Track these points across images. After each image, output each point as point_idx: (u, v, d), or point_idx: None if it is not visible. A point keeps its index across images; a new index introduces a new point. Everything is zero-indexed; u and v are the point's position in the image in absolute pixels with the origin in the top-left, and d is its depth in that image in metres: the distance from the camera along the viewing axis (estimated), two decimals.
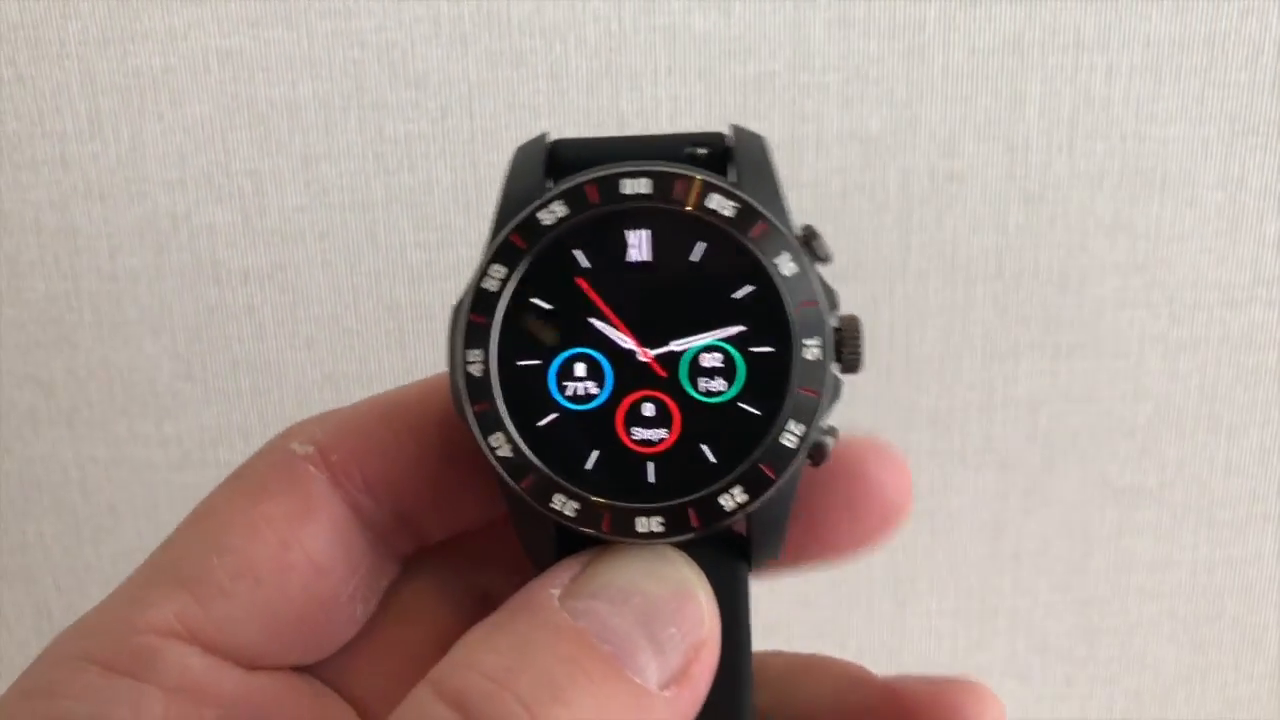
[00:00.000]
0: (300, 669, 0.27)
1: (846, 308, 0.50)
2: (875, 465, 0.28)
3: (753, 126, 0.48)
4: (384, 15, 0.48)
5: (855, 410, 0.51)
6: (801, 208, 0.49)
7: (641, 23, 0.48)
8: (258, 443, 0.52)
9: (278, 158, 0.50)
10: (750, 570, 0.27)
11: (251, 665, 0.26)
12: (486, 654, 0.23)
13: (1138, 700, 0.58)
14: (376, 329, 0.52)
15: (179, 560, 0.26)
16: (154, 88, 0.49)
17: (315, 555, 0.27)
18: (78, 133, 0.50)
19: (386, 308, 0.52)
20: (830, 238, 0.50)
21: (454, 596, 0.29)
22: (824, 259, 0.26)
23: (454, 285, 0.50)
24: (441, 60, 0.49)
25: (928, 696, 0.29)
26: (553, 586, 0.25)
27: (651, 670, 0.24)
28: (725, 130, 0.27)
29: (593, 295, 0.26)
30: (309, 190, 0.50)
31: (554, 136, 0.27)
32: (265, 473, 0.27)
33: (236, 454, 0.53)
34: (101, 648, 0.25)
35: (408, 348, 0.52)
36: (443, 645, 0.25)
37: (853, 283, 0.51)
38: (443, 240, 0.51)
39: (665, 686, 0.24)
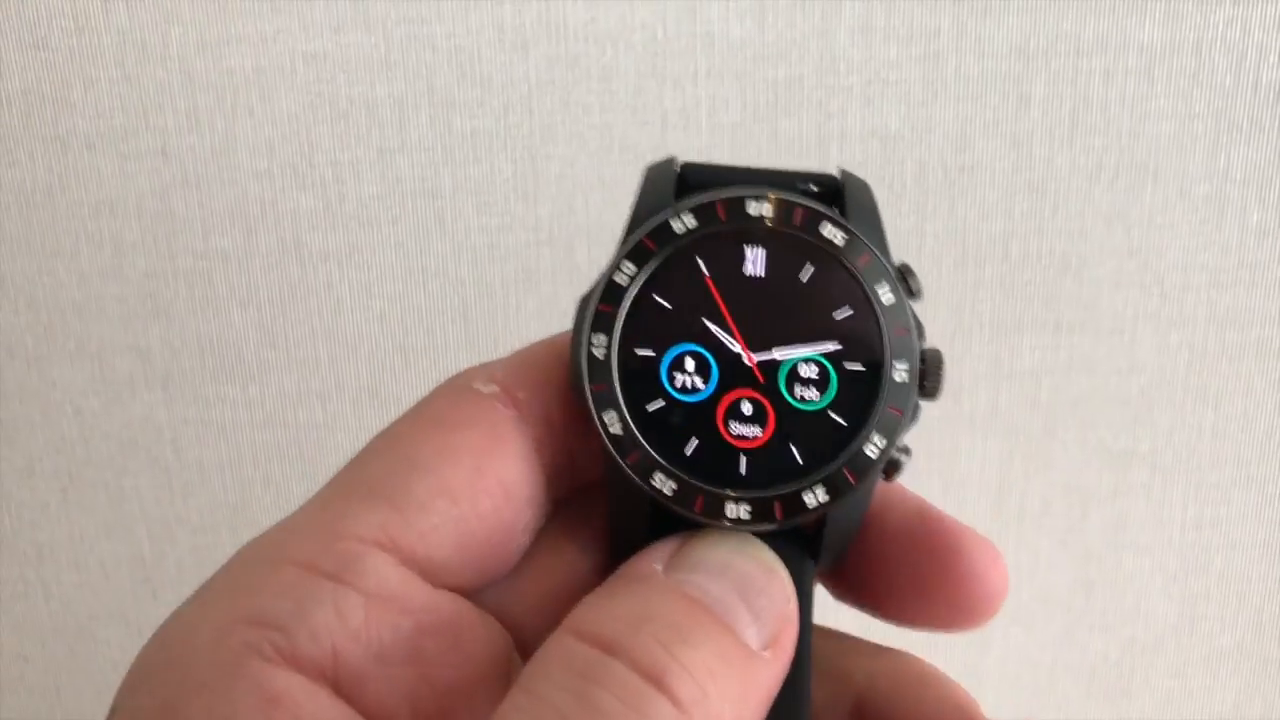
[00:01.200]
0: (467, 594, 0.28)
1: None
2: (980, 557, 0.29)
3: (783, 124, 0.53)
4: (454, 22, 0.52)
5: None
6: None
7: (683, 30, 0.52)
8: (335, 407, 0.57)
9: (356, 150, 0.53)
10: (816, 569, 0.28)
11: (438, 582, 0.26)
12: (616, 606, 0.25)
13: (1131, 647, 0.61)
14: (443, 304, 0.56)
15: (378, 476, 0.26)
16: (246, 86, 0.52)
17: (505, 482, 0.27)
18: (177, 127, 0.53)
19: (452, 286, 0.55)
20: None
21: (583, 543, 0.30)
22: (916, 294, 0.28)
23: (514, 267, 0.55)
24: (504, 63, 0.52)
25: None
26: (655, 562, 0.26)
27: (752, 633, 0.25)
28: (835, 173, 0.29)
29: (714, 297, 0.27)
30: (384, 180, 0.54)
31: (682, 160, 0.30)
32: (453, 407, 0.28)
33: (315, 415, 0.58)
34: (303, 550, 0.25)
35: (471, 322, 0.56)
36: (579, 584, 0.28)
37: None
38: (503, 225, 0.54)
39: (764, 649, 0.25)
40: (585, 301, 0.28)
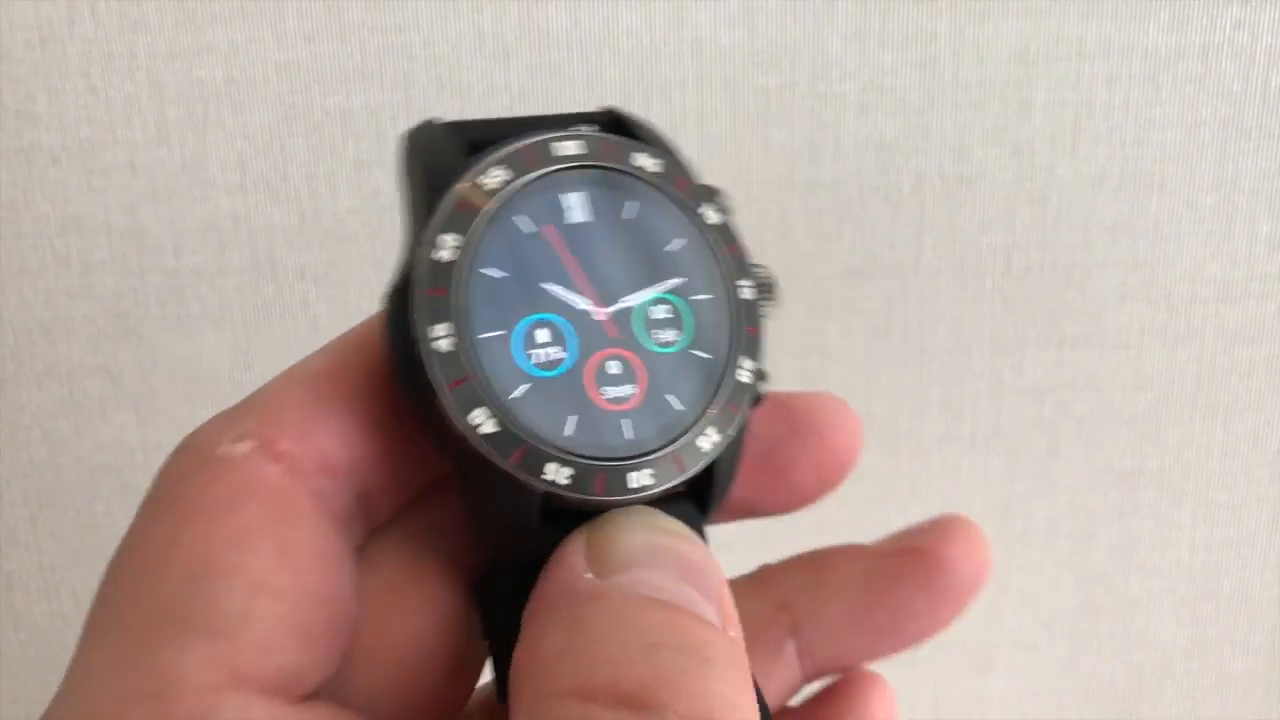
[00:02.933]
0: (326, 698, 0.24)
1: (865, 303, 0.53)
2: (830, 418, 0.28)
3: (775, 134, 0.51)
4: (431, 30, 0.50)
5: (872, 400, 0.54)
6: (821, 209, 0.53)
7: (671, 36, 0.50)
8: None
9: (332, 163, 0.52)
10: (705, 517, 0.26)
11: (297, 696, 0.22)
12: (594, 647, 0.21)
13: (1139, 673, 0.60)
14: None
15: (173, 600, 0.22)
16: (217, 98, 0.51)
17: (316, 549, 0.23)
18: (146, 140, 0.52)
19: None
20: (849, 237, 0.53)
21: (419, 580, 0.25)
22: (729, 212, 0.26)
23: None
24: (484, 71, 0.51)
25: (928, 546, 0.30)
26: (579, 570, 0.23)
27: (712, 614, 0.22)
28: (603, 109, 0.28)
29: (546, 255, 0.25)
30: (361, 193, 0.52)
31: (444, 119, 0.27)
32: (209, 486, 0.23)
33: None
34: None
35: None
36: (434, 632, 0.24)
37: (869, 279, 0.53)
38: None
39: (728, 628, 0.23)
40: (401, 294, 0.24)
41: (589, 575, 0.23)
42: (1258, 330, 0.55)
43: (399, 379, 0.24)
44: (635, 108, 0.51)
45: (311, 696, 0.23)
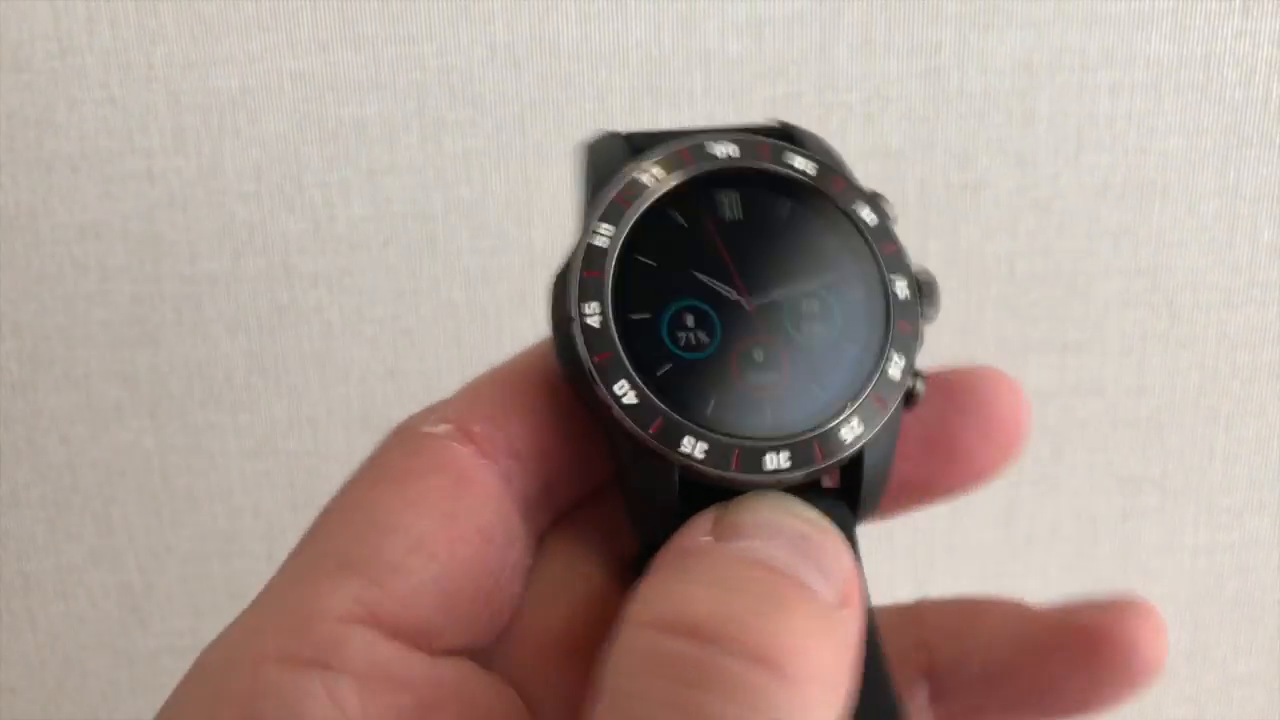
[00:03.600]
0: (469, 656, 0.25)
1: None
2: (993, 389, 0.28)
3: None
4: (444, 40, 0.51)
5: None
6: None
7: (679, 47, 0.51)
8: (325, 434, 0.56)
9: (345, 171, 0.53)
10: (857, 516, 0.26)
11: (432, 649, 0.24)
12: (689, 587, 0.22)
13: None
14: (435, 329, 0.55)
15: (341, 545, 0.24)
16: (232, 107, 0.52)
17: (480, 525, 0.25)
18: (163, 148, 0.52)
19: (444, 309, 0.54)
20: None
21: (585, 571, 0.27)
22: (892, 218, 0.27)
23: (507, 289, 0.54)
24: (497, 82, 0.51)
25: (1100, 624, 0.28)
26: (700, 535, 0.24)
27: (827, 591, 0.23)
28: (774, 122, 0.29)
29: (700, 246, 0.26)
30: (374, 201, 0.53)
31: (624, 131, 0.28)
32: (406, 456, 0.26)
33: (306, 443, 0.57)
34: (278, 643, 0.23)
35: (464, 346, 0.55)
36: (590, 620, 0.25)
37: None
38: (496, 247, 0.54)
39: (841, 607, 0.23)
40: (563, 276, 0.26)
41: (707, 538, 0.24)
42: (1259, 336, 0.55)
43: (557, 354, 0.26)
44: (644, 118, 0.52)
45: (451, 654, 0.25)
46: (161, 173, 0.53)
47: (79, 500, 0.58)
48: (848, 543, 0.24)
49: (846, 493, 0.26)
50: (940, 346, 0.54)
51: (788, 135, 0.28)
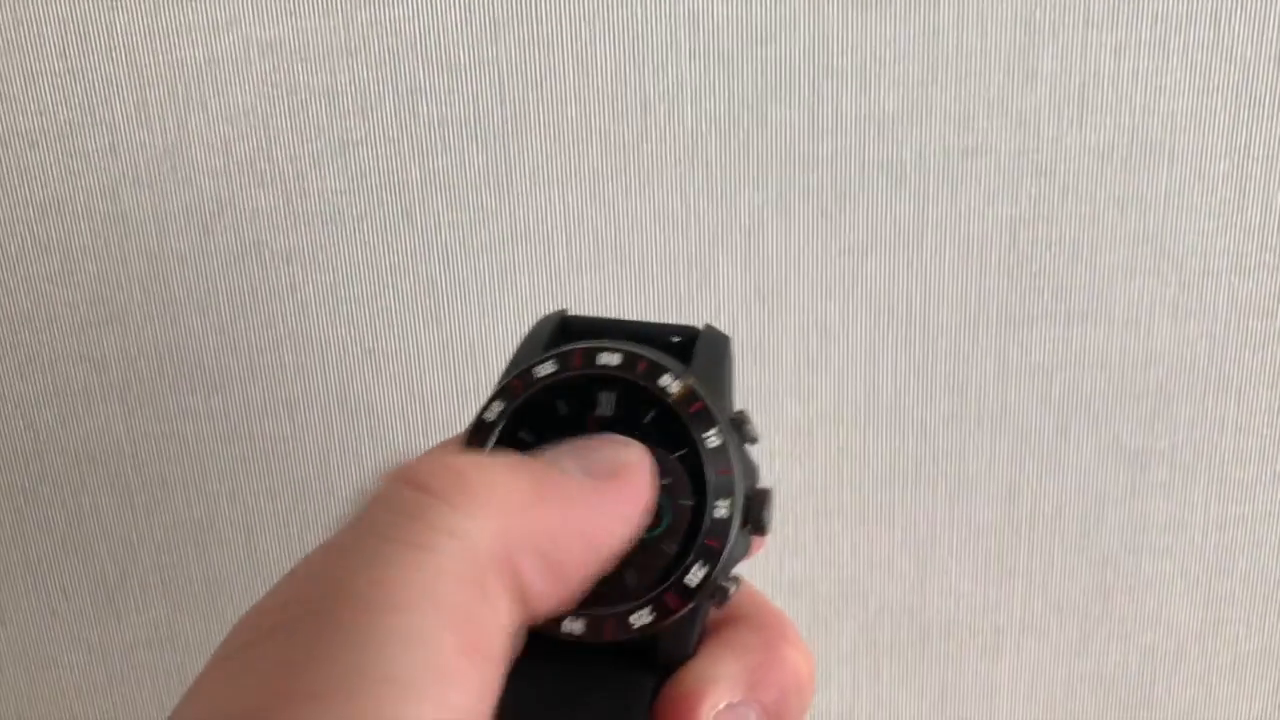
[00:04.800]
0: None
1: (867, 280, 0.52)
2: None
3: (773, 109, 0.50)
4: (418, 4, 0.49)
5: (876, 380, 0.53)
6: (822, 185, 0.51)
7: (664, 9, 0.49)
8: (302, 416, 0.55)
9: (317, 143, 0.51)
10: (655, 680, 0.29)
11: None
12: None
13: (1151, 655, 0.59)
14: (414, 305, 0.53)
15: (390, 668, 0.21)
16: (198, 78, 0.50)
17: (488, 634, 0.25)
18: (126, 122, 0.51)
19: (423, 285, 0.53)
20: (849, 213, 0.51)
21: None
22: (752, 440, 0.31)
23: (487, 263, 0.52)
24: (473, 47, 0.50)
25: None
26: None
27: (568, 464, 0.27)
28: (700, 327, 0.32)
29: (568, 434, 0.30)
30: (347, 173, 0.51)
31: (571, 312, 0.33)
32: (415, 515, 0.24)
33: (282, 426, 0.55)
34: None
35: (443, 324, 0.53)
36: None
37: (872, 256, 0.52)
38: (474, 220, 0.52)
39: (588, 478, 0.27)
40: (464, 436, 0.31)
41: None
42: (1271, 302, 0.54)
43: None
44: (628, 84, 0.50)
45: None
46: (125, 147, 0.51)
47: (47, 489, 0.56)
48: (636, 447, 0.29)
49: (648, 659, 0.30)
50: (942, 317, 0.53)
51: (691, 342, 0.32)
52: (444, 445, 0.31)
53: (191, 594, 0.57)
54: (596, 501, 0.27)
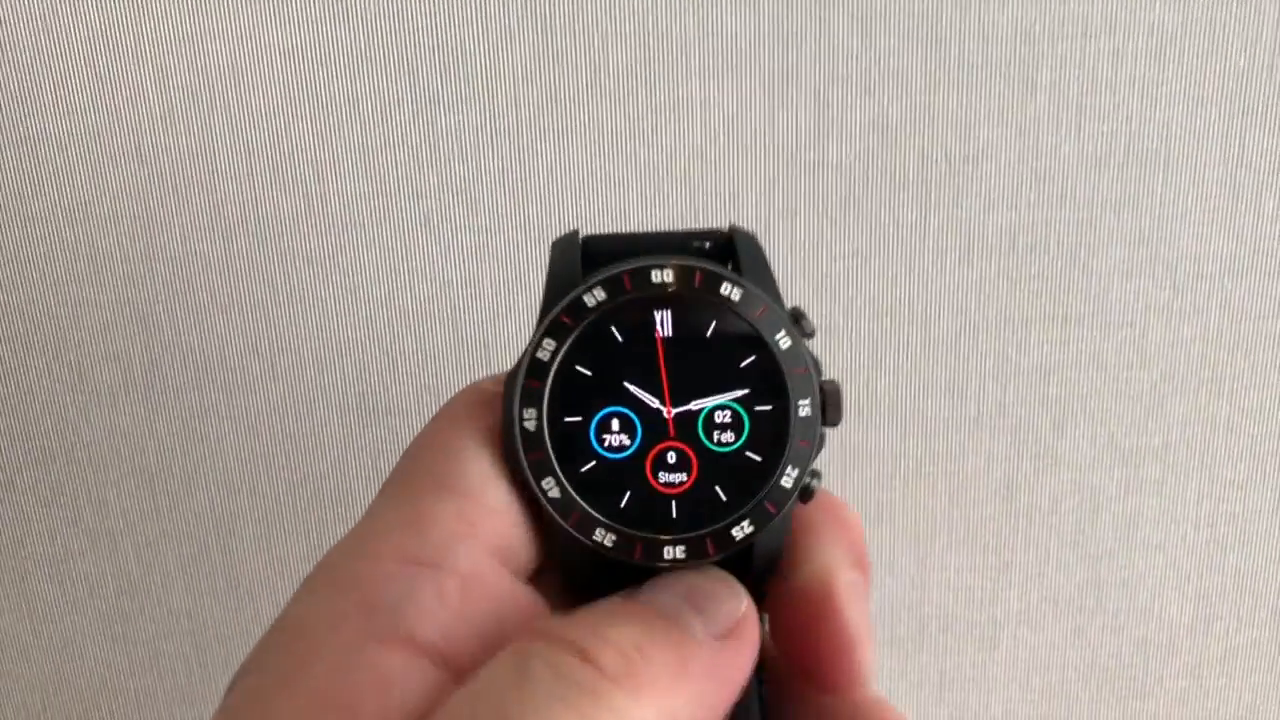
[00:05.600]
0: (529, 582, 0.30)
1: (870, 283, 0.53)
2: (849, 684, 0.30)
3: (780, 115, 0.51)
4: (436, 15, 0.50)
5: (878, 380, 0.55)
6: (827, 190, 0.53)
7: (675, 20, 0.50)
8: (321, 414, 0.56)
9: (337, 149, 0.52)
10: (754, 588, 0.30)
11: (511, 566, 0.29)
12: (549, 621, 0.27)
13: (1143, 648, 0.60)
14: (430, 307, 0.54)
15: (438, 471, 0.29)
16: (223, 84, 0.51)
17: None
18: (152, 126, 0.52)
19: (440, 288, 0.54)
20: (853, 217, 0.53)
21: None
22: (809, 334, 0.30)
23: (503, 267, 0.54)
24: (489, 55, 0.51)
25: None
26: (616, 596, 0.29)
27: (697, 626, 0.27)
28: (725, 228, 0.32)
29: (631, 359, 0.30)
30: (368, 178, 0.52)
31: (585, 232, 0.32)
32: (473, 405, 0.30)
33: (302, 424, 0.56)
34: (398, 544, 0.27)
35: (460, 325, 0.55)
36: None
37: (875, 260, 0.54)
38: (491, 224, 0.53)
39: (712, 638, 0.27)
40: (512, 378, 0.30)
41: (619, 596, 0.29)
42: (1262, 306, 0.55)
43: (502, 449, 0.30)
44: (639, 92, 0.51)
45: (524, 578, 0.30)
46: (151, 151, 0.52)
47: (74, 485, 0.58)
48: (747, 594, 0.29)
49: (737, 568, 0.30)
50: (943, 319, 0.54)
51: (729, 242, 0.32)
52: (478, 389, 0.31)
53: (213, 587, 0.58)
54: (725, 664, 0.27)
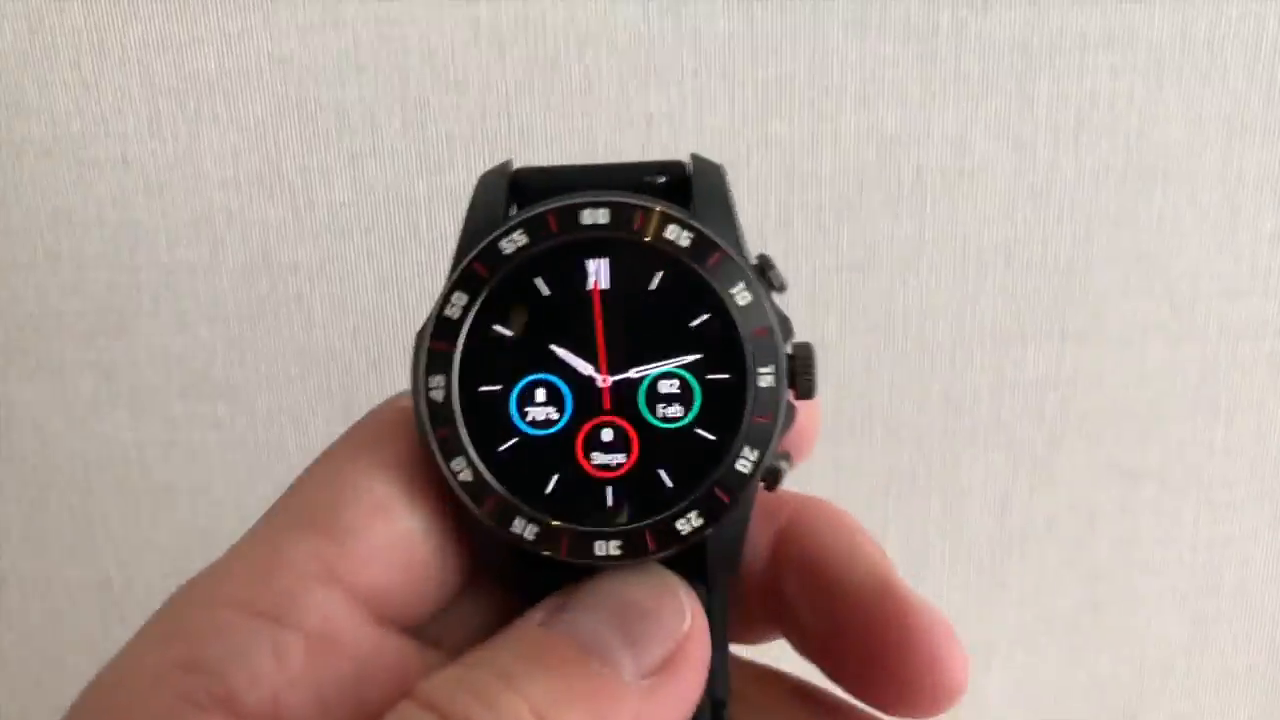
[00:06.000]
0: (412, 629, 0.26)
1: (865, 297, 0.52)
2: (942, 645, 0.27)
3: (774, 126, 0.51)
4: (427, 22, 0.50)
5: (872, 395, 0.54)
6: (820, 203, 0.52)
7: (668, 27, 0.50)
8: (307, 426, 0.55)
9: (326, 156, 0.51)
10: (709, 590, 0.26)
11: (383, 616, 0.25)
12: (456, 666, 0.24)
13: (1140, 670, 0.59)
14: (419, 317, 0.53)
15: (310, 504, 0.25)
16: (210, 90, 0.51)
17: (441, 496, 0.25)
18: (138, 133, 0.51)
19: (429, 298, 0.53)
20: (848, 230, 0.52)
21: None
22: (779, 288, 0.26)
23: None
24: (480, 64, 0.50)
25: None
26: (538, 611, 0.25)
27: (626, 662, 0.23)
28: (685, 159, 0.27)
29: (557, 319, 0.26)
30: (355, 187, 0.52)
31: (518, 164, 0.27)
32: (381, 425, 0.26)
33: (287, 436, 0.56)
34: (238, 589, 0.24)
35: None
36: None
37: (870, 273, 0.53)
38: None
39: (643, 675, 0.24)
40: (419, 339, 0.26)
41: (539, 615, 0.25)
42: (1260, 326, 0.54)
43: (415, 421, 0.26)
44: (632, 101, 0.51)
45: (401, 622, 0.25)
46: (136, 157, 0.52)
47: (55, 495, 0.57)
48: (694, 605, 0.25)
49: (693, 566, 0.26)
50: (939, 335, 0.54)
51: (685, 177, 0.27)
52: (394, 406, 0.27)
53: None
54: (660, 708, 0.24)
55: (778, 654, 0.30)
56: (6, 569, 0.58)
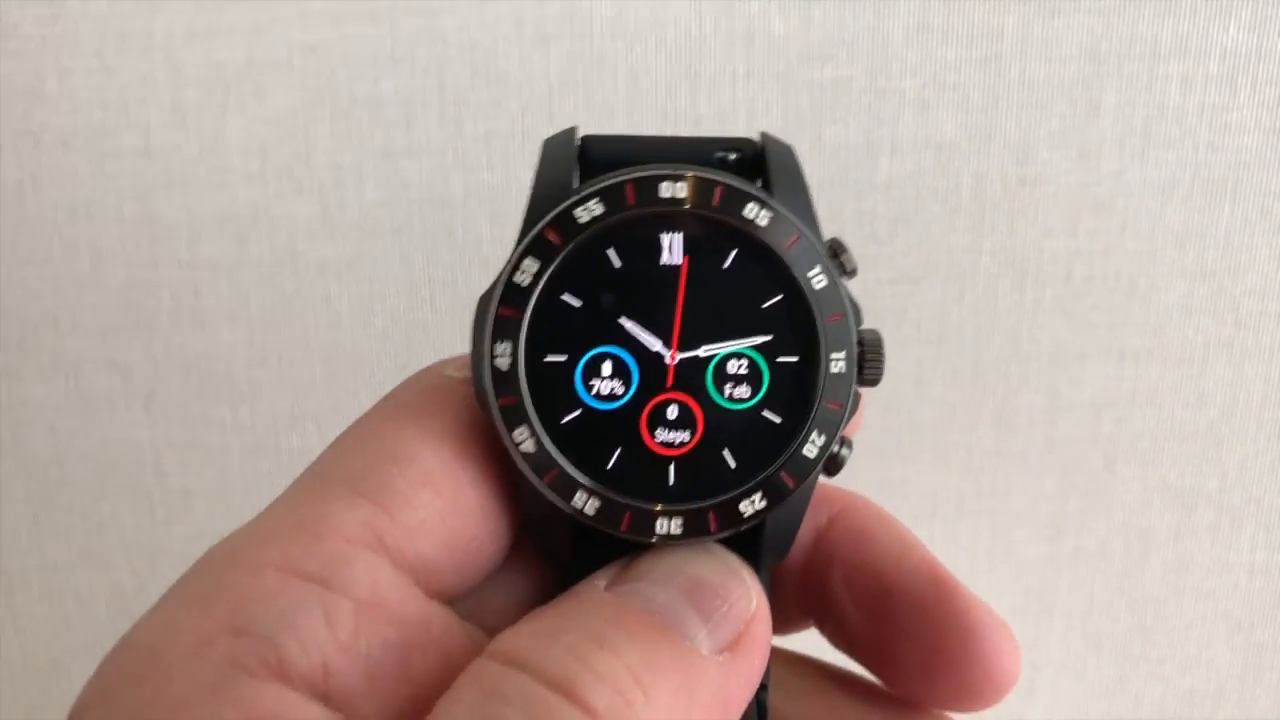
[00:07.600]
0: (454, 600, 0.26)
1: (918, 310, 0.50)
2: (994, 638, 0.27)
3: (829, 131, 0.49)
4: (467, 14, 0.48)
5: (922, 412, 0.52)
6: (875, 210, 0.50)
7: (721, 26, 0.48)
8: (331, 432, 0.53)
9: (358, 152, 0.50)
10: (758, 572, 0.26)
11: (429, 587, 0.24)
12: (537, 623, 0.23)
13: (1190, 699, 0.58)
14: (451, 322, 0.52)
15: (355, 470, 0.24)
16: (237, 81, 0.49)
17: (485, 469, 0.25)
18: (161, 123, 0.49)
19: (462, 302, 0.51)
20: (903, 240, 0.50)
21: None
22: (851, 272, 0.26)
23: None
24: (522, 60, 0.48)
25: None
26: (599, 579, 0.25)
27: (702, 637, 0.23)
28: (755, 137, 0.27)
29: (629, 291, 0.25)
30: (388, 185, 0.50)
31: (584, 132, 0.27)
32: (427, 394, 0.26)
33: (310, 441, 0.53)
34: (284, 552, 0.23)
35: None
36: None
37: (924, 285, 0.51)
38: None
39: (718, 651, 0.23)
40: (484, 304, 0.25)
41: (601, 583, 0.24)
42: None
43: (474, 386, 0.25)
44: (681, 102, 0.49)
45: (445, 594, 0.25)
46: (160, 149, 0.50)
47: (67, 496, 0.55)
48: (759, 588, 0.25)
49: (747, 546, 0.26)
50: (993, 350, 0.51)
51: (759, 155, 0.26)
52: (437, 373, 0.27)
53: None
54: (735, 684, 0.24)
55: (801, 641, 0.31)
56: (14, 572, 0.56)
